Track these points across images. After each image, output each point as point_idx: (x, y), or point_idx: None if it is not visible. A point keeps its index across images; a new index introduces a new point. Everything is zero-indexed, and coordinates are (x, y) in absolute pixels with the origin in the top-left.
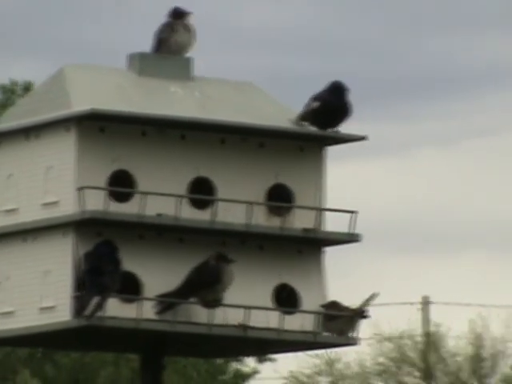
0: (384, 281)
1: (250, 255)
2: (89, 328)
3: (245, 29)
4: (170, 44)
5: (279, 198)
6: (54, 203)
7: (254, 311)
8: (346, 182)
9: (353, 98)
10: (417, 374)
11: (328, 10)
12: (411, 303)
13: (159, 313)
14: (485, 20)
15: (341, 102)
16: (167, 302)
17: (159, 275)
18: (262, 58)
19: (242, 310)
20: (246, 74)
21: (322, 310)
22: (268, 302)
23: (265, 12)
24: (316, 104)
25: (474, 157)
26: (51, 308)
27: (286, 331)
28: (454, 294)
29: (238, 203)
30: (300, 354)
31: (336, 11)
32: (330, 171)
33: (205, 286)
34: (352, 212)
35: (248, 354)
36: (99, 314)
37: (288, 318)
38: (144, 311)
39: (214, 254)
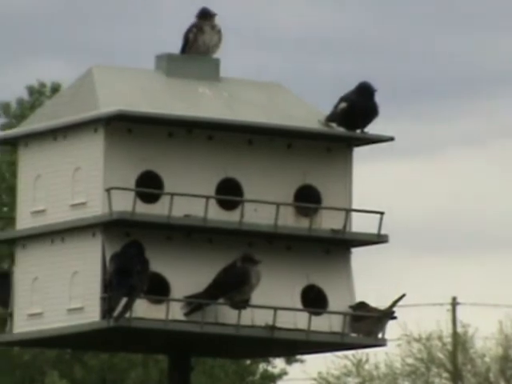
0: (412, 282)
1: (277, 256)
2: (117, 329)
3: (273, 30)
4: (198, 45)
5: (307, 199)
6: (82, 204)
7: (281, 312)
8: (373, 182)
9: (380, 98)
10: (445, 374)
11: (355, 11)
12: (440, 304)
13: (187, 314)
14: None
15: (368, 103)
16: (195, 304)
17: (187, 276)
18: (290, 59)
19: (269, 311)
20: (274, 75)
21: (349, 310)
22: (296, 302)
23: (294, 13)
24: (343, 105)
25: (501, 157)
26: (79, 309)
27: (314, 332)
28: (483, 295)
29: (266, 204)
30: (328, 355)
31: (363, 12)
32: (357, 172)
33: (232, 287)
34: (380, 213)
35: (275, 355)
36: (127, 315)
37: (315, 318)
38: (172, 312)
39: (240, 256)
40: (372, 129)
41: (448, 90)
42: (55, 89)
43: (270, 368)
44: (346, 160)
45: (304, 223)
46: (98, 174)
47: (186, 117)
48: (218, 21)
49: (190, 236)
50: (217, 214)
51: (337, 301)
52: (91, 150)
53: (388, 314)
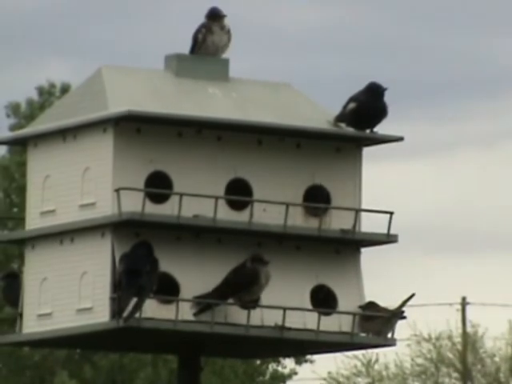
0: (421, 281)
1: (287, 256)
2: (126, 329)
3: (282, 30)
4: (207, 45)
5: (316, 199)
6: (92, 204)
7: (290, 312)
8: (382, 182)
9: (389, 98)
10: (455, 374)
11: (366, 11)
12: (449, 304)
13: (196, 314)
14: None
15: (377, 103)
16: (204, 304)
17: (196, 276)
18: (299, 60)
19: (279, 311)
20: (283, 75)
21: (359, 310)
22: (305, 302)
23: (302, 13)
24: (352, 105)
25: (510, 157)
26: (89, 309)
27: (323, 332)
28: (492, 295)
29: (275, 204)
30: (338, 355)
31: (374, 13)
32: (367, 172)
33: (242, 287)
34: (389, 213)
35: (285, 355)
36: (137, 315)
37: (325, 318)
38: (181, 312)
39: (250, 256)
40: (381, 129)
41: (458, 91)
42: (65, 89)
43: (279, 368)
44: (355, 160)
45: (313, 223)
46: (108, 174)
47: (195, 117)
48: (227, 21)
49: (199, 236)
50: (226, 214)
51: (346, 301)
52: (100, 151)
53: (397, 314)
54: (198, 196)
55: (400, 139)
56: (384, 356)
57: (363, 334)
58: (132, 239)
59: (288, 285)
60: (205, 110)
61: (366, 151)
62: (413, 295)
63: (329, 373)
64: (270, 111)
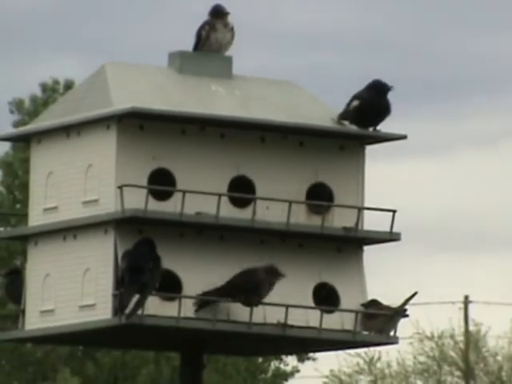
0: (424, 280)
1: (289, 254)
2: (129, 326)
3: (287, 27)
4: (211, 42)
5: (319, 197)
6: (95, 201)
7: (293, 310)
8: (385, 180)
9: (393, 96)
10: (457, 373)
11: (369, 9)
12: (452, 302)
13: (197, 310)
14: None
15: (381, 101)
16: (204, 299)
17: (199, 273)
18: (302, 57)
19: (281, 309)
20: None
21: (361, 308)
22: (307, 300)
23: (306, 11)
24: (356, 103)
25: None
26: (91, 306)
27: (326, 330)
28: (495, 294)
29: (278, 202)
30: (340, 353)
31: (377, 10)
32: (370, 170)
33: (240, 291)
34: (392, 211)
35: (287, 353)
36: (139, 312)
37: (327, 316)
38: (184, 309)
39: (265, 267)
40: (385, 127)
41: (461, 90)
42: (68, 86)
43: (281, 366)
44: (358, 158)
45: (316, 221)
46: (111, 171)
47: (198, 114)
48: (230, 19)
49: (201, 233)
50: (229, 212)
51: (349, 299)
52: (104, 147)
53: (400, 312)
54: (201, 193)
55: (403, 137)
56: (386, 354)
57: (365, 332)
58: (135, 236)
59: (290, 282)
60: (208, 107)
61: (369, 149)
62: (415, 293)
63: (331, 371)
64: (274, 109)
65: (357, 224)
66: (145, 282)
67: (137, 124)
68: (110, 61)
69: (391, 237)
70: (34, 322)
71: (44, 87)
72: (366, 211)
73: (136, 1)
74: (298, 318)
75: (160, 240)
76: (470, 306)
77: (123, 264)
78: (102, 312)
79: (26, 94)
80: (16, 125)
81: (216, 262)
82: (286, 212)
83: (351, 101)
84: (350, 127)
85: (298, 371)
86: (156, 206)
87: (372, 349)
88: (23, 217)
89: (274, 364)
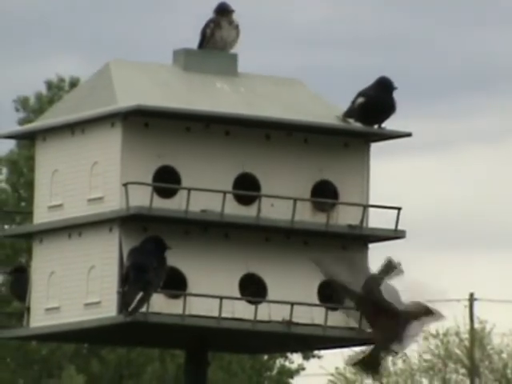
0: (429, 277)
1: (294, 251)
2: (134, 324)
3: (292, 25)
4: (216, 40)
5: (324, 194)
6: (100, 199)
7: (298, 307)
8: (390, 178)
9: (398, 94)
10: (462, 370)
11: (376, 7)
12: (457, 300)
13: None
14: None
15: (386, 98)
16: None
17: (204, 271)
18: (307, 55)
19: (286, 306)
20: (292, 70)
21: None
22: (312, 298)
23: (311, 8)
24: (361, 100)
25: None
26: (96, 304)
27: (331, 327)
28: (500, 291)
29: (283, 199)
30: (346, 351)
31: (383, 8)
32: (374, 167)
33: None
34: (397, 208)
35: (292, 350)
36: (144, 309)
37: (332, 313)
38: (189, 307)
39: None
40: (390, 124)
41: (464, 87)
42: (73, 83)
43: (287, 363)
44: (363, 155)
45: (321, 218)
46: (116, 168)
47: (203, 112)
48: (235, 17)
49: (206, 231)
50: (234, 209)
51: None
52: (109, 145)
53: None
54: (206, 191)
55: (408, 135)
56: None
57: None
58: (140, 234)
59: (295, 280)
60: (213, 104)
61: (374, 147)
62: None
63: (336, 368)
64: (278, 106)
65: (362, 221)
66: (149, 279)
67: (142, 122)
68: (115, 58)
69: (396, 234)
70: (39, 319)
71: (49, 85)
72: (370, 209)
73: None
74: (303, 315)
75: (165, 237)
76: (475, 304)
77: (128, 261)
78: (107, 310)
79: (31, 91)
80: (21, 122)
81: (221, 260)
82: (291, 209)
83: (356, 98)
84: (355, 124)
85: (303, 369)
86: (161, 204)
87: None
88: (28, 214)
89: (279, 362)
